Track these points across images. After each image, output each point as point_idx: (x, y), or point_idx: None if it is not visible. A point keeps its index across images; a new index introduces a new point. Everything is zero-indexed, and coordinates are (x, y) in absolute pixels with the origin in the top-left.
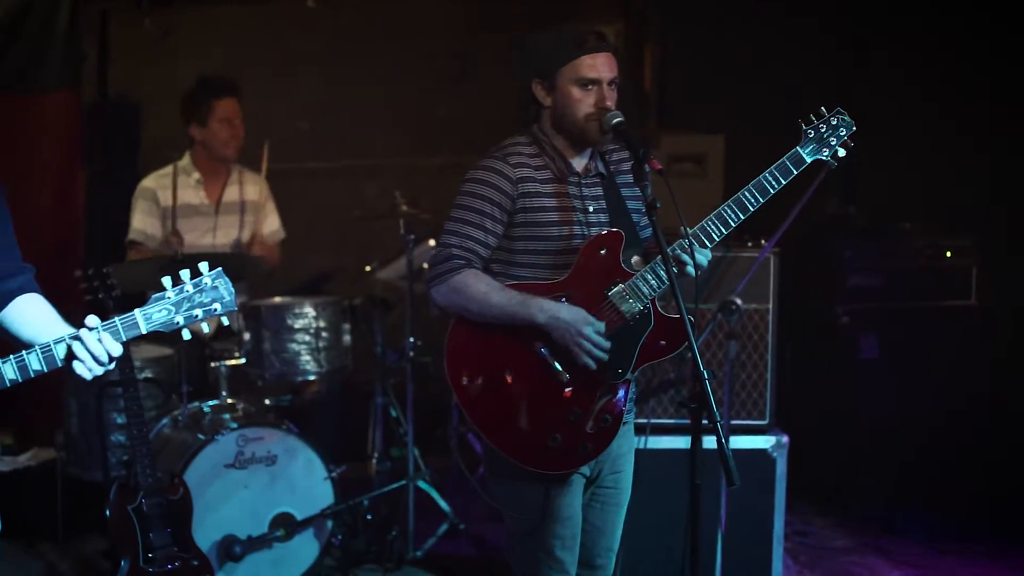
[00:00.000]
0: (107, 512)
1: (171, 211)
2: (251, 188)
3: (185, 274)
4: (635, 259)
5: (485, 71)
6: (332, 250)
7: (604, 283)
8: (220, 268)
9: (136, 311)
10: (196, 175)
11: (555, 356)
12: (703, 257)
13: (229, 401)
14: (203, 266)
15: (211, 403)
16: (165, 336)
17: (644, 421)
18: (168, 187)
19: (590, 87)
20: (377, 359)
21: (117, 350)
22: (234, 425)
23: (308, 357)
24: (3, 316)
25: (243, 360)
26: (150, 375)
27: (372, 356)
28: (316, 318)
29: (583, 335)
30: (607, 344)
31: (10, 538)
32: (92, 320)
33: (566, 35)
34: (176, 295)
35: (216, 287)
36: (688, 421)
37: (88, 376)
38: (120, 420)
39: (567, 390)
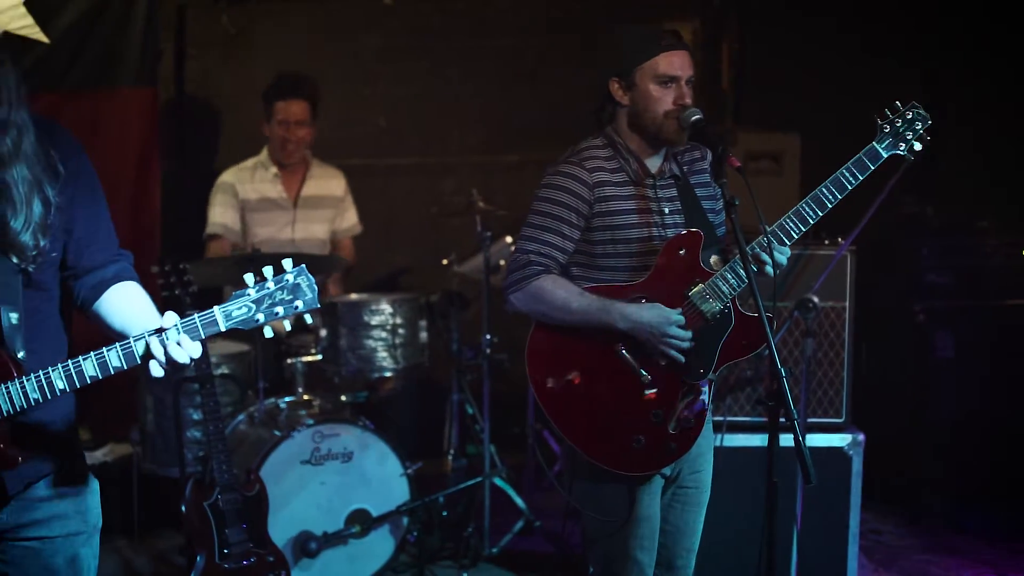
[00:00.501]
0: (183, 508)
1: (249, 204)
2: (331, 183)
3: (268, 270)
4: (713, 259)
5: (560, 69)
6: (409, 247)
7: (684, 284)
8: (303, 265)
9: (216, 308)
10: (273, 169)
11: (636, 357)
12: (782, 256)
13: (305, 397)
14: (286, 263)
15: (287, 399)
16: (243, 332)
17: (720, 419)
18: (247, 181)
19: (669, 84)
20: (453, 356)
21: (196, 351)
22: (310, 421)
23: (384, 353)
24: (98, 306)
25: (319, 356)
26: (226, 371)
27: (448, 353)
28: (393, 314)
29: (668, 335)
30: (689, 335)
31: None
32: (170, 319)
33: (644, 33)
34: (257, 292)
35: (299, 284)
36: (764, 419)
37: (158, 374)
38: (196, 416)
39: (649, 391)
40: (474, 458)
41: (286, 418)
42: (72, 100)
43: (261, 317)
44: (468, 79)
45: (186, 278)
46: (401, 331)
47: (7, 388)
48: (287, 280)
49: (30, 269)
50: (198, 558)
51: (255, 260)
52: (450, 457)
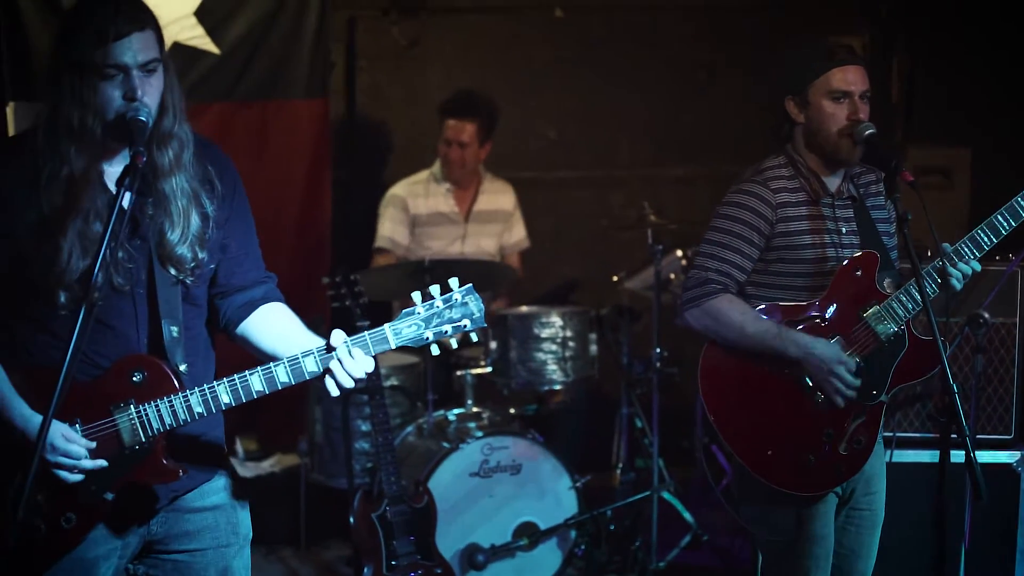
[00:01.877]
0: (351, 519)
1: (420, 219)
2: (502, 197)
3: (435, 289)
4: (887, 281)
5: (730, 81)
6: (578, 259)
7: (859, 305)
8: (471, 284)
9: (386, 326)
10: (447, 184)
11: (811, 381)
12: (968, 267)
13: (474, 410)
14: (453, 282)
15: (456, 411)
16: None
17: (889, 435)
18: (419, 195)
19: (842, 100)
20: (623, 369)
21: (370, 365)
22: (479, 434)
23: (554, 366)
24: (245, 326)
25: (489, 369)
26: (396, 383)
27: (618, 366)
28: (563, 327)
29: (835, 374)
30: (857, 383)
31: (252, 543)
32: (338, 336)
33: (816, 49)
34: (426, 310)
35: (466, 303)
36: (934, 435)
37: (336, 392)
38: (365, 427)
39: (821, 411)
40: (642, 471)
41: (455, 430)
42: (242, 111)
43: (430, 335)
44: (637, 91)
45: (357, 289)
46: (571, 344)
47: (170, 402)
48: (455, 299)
49: (188, 282)
50: (365, 569)
51: (427, 270)
52: (618, 470)
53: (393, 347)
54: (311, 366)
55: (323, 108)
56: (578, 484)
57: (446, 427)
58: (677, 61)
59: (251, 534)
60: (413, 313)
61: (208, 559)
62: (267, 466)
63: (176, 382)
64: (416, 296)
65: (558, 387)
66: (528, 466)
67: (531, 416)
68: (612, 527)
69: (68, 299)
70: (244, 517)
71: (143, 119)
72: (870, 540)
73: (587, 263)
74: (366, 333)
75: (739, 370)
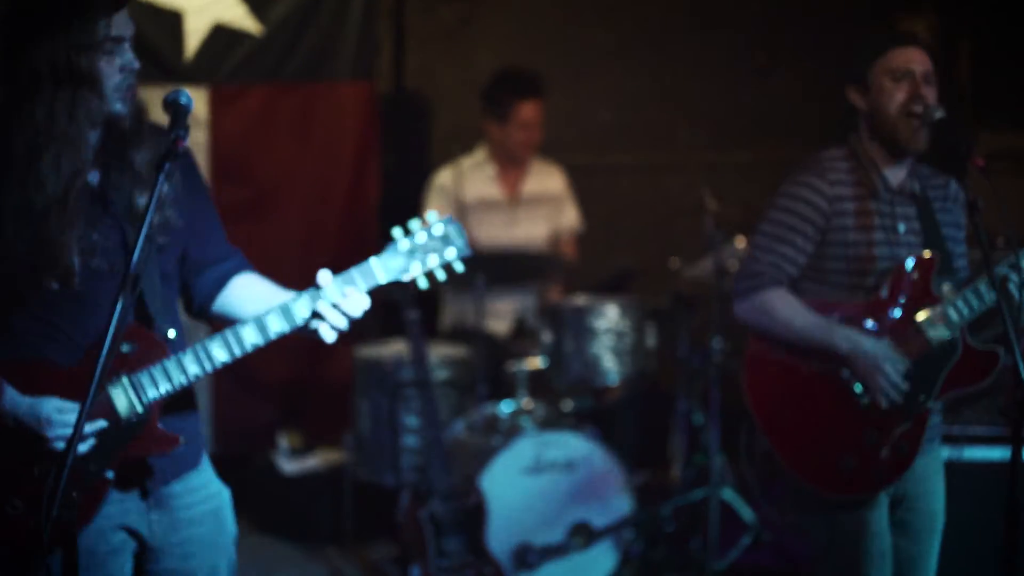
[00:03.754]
0: (398, 517)
1: (466, 206)
2: (550, 180)
3: (414, 223)
4: (945, 286)
5: (792, 64)
6: (634, 248)
7: (913, 307)
8: (449, 216)
9: (371, 259)
10: (491, 168)
11: (857, 378)
12: None
13: (527, 404)
14: (431, 215)
15: (508, 406)
16: (464, 335)
17: (958, 431)
18: (464, 181)
19: (902, 79)
20: (681, 362)
21: (365, 303)
22: (532, 429)
23: (610, 360)
24: (223, 300)
25: (542, 362)
26: (445, 376)
27: (675, 359)
28: (619, 319)
29: (882, 371)
30: (904, 386)
31: (295, 541)
32: (324, 276)
33: (876, 33)
34: (410, 243)
35: (448, 233)
36: (1004, 431)
37: (332, 337)
38: (413, 422)
39: (866, 413)
40: (701, 468)
41: (507, 426)
42: (286, 93)
43: (417, 267)
44: (695, 73)
45: None
46: (627, 336)
47: (164, 366)
48: (435, 231)
49: (160, 241)
50: (413, 569)
51: (473, 262)
52: (676, 467)
53: (382, 281)
54: (302, 311)
55: (370, 91)
56: (634, 481)
57: (497, 422)
58: (736, 43)
59: (236, 531)
60: (396, 246)
61: (197, 563)
62: (311, 462)
63: (167, 349)
64: (397, 231)
65: (614, 380)
66: (582, 463)
67: (586, 411)
68: (670, 526)
69: (59, 285)
70: (228, 515)
71: (184, 102)
72: (928, 545)
73: (644, 251)
74: (353, 268)
75: (785, 364)
